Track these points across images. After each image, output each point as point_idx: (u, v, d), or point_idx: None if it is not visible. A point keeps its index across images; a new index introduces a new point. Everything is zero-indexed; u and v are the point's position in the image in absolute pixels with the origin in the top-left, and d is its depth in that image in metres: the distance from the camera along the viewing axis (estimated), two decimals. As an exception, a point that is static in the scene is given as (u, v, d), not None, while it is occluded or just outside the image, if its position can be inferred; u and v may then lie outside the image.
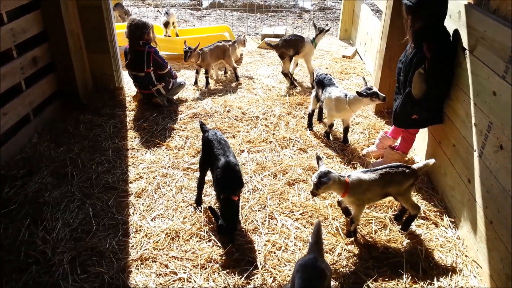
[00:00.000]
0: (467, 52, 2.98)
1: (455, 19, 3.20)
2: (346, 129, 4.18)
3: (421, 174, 3.23)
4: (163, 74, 4.83)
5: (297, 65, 5.91)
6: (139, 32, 4.58)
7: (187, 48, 5.16)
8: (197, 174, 3.71)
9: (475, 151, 2.84)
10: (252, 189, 3.53)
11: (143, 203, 3.37)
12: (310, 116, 4.47)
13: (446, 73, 3.26)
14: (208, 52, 5.41)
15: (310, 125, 4.46)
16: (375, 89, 3.75)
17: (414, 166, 2.96)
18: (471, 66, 2.93)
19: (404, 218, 3.15)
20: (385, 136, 3.91)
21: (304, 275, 2.12)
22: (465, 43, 3.03)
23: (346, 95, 3.96)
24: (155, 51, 4.67)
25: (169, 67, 4.86)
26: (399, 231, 3.08)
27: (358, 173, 2.91)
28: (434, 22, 3.20)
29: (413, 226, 3.12)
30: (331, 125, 4.26)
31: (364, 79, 3.97)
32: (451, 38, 3.24)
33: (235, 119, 4.62)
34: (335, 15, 9.31)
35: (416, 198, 3.40)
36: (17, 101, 3.97)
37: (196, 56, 5.26)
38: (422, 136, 3.85)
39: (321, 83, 4.26)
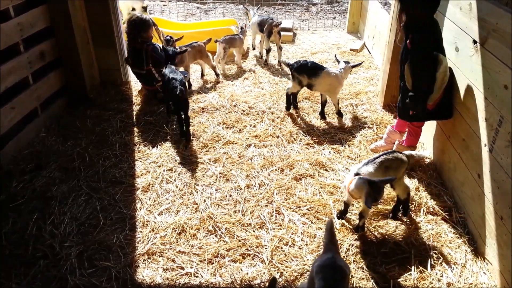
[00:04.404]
0: (478, 45, 2.93)
1: (465, 12, 3.14)
2: (325, 103, 4.54)
3: (412, 162, 3.37)
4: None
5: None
6: (137, 30, 4.56)
7: (168, 37, 4.89)
8: (204, 168, 3.72)
9: (485, 146, 2.79)
10: (259, 184, 3.52)
11: (150, 198, 3.37)
12: (289, 96, 4.59)
13: (426, 66, 3.21)
14: (186, 52, 5.15)
15: (289, 105, 4.61)
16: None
17: (407, 153, 3.08)
18: (482, 59, 2.88)
19: (400, 208, 3.16)
20: (392, 131, 3.87)
21: (325, 276, 2.09)
22: (475, 36, 2.97)
23: (339, 70, 4.36)
24: (152, 49, 4.59)
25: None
26: (400, 217, 3.12)
27: (364, 169, 2.90)
28: (419, 14, 3.17)
29: (422, 221, 3.10)
30: (339, 101, 4.54)
31: (335, 56, 4.61)
32: (438, 31, 3.28)
33: (241, 113, 4.60)
34: (343, 8, 9.21)
35: (424, 193, 3.37)
36: (25, 95, 3.98)
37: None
38: (431, 131, 3.80)
39: (304, 68, 4.35)
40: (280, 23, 5.79)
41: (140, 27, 4.57)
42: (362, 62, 4.75)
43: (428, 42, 3.19)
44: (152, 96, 4.91)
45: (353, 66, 4.43)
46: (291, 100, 4.66)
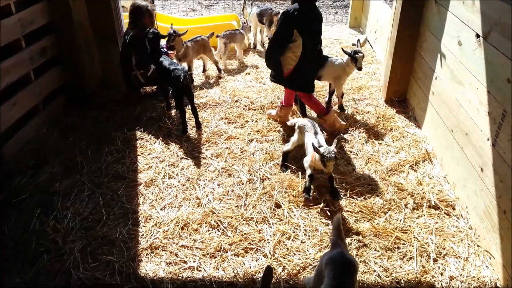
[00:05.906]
0: (481, 39, 2.91)
1: (468, 6, 3.12)
2: (332, 93, 4.57)
3: None
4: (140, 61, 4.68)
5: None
6: (133, 16, 4.61)
7: (171, 31, 4.83)
8: (207, 163, 3.72)
9: (488, 140, 2.78)
10: (260, 178, 3.52)
11: (152, 193, 3.38)
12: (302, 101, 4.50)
13: (281, 35, 3.84)
14: (190, 47, 5.13)
15: (304, 111, 4.54)
16: (361, 54, 4.14)
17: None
18: (485, 53, 2.86)
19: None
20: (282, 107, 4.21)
21: (336, 270, 2.09)
22: (478, 30, 2.95)
23: (343, 59, 4.34)
24: (145, 35, 4.59)
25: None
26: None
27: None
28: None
29: (425, 215, 3.09)
30: (343, 94, 4.54)
31: (359, 40, 4.43)
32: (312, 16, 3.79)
33: (243, 108, 4.60)
34: (345, 2, 9.18)
35: (427, 187, 3.36)
36: (26, 91, 3.97)
37: (180, 44, 4.96)
38: (434, 125, 3.79)
39: None
40: (279, 12, 5.94)
41: (134, 13, 4.60)
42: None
43: (293, 18, 3.70)
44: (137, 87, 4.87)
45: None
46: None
